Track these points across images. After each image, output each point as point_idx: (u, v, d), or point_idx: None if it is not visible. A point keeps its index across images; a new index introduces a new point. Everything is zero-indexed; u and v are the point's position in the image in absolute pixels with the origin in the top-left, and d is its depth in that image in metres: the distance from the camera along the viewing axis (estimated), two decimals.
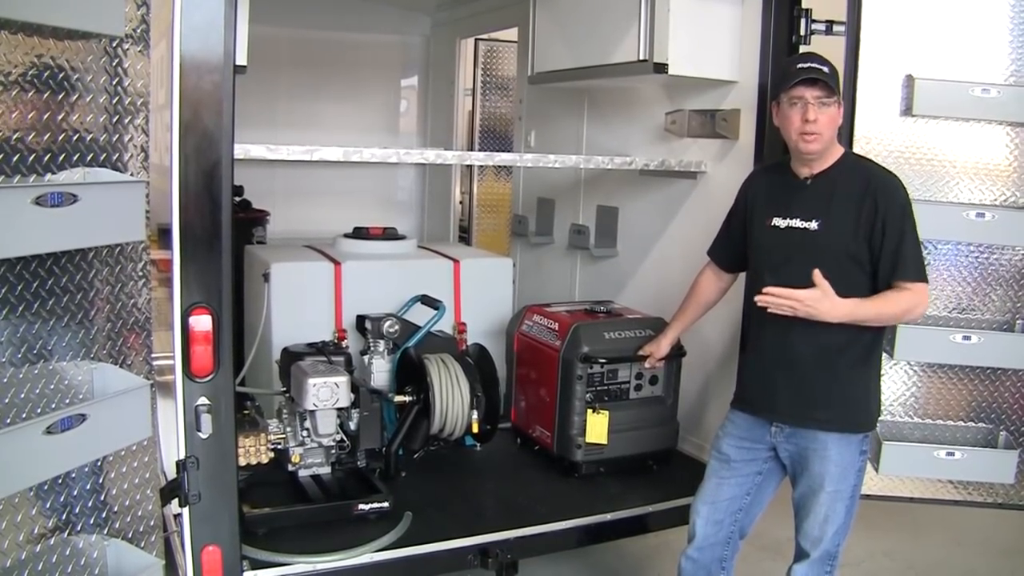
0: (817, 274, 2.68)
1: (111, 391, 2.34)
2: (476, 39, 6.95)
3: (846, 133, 3.24)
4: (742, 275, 3.24)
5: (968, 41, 3.26)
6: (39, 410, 2.16)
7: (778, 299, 2.70)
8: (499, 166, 7.25)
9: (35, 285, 2.16)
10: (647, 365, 3.67)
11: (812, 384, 2.82)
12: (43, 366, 2.23)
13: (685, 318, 3.45)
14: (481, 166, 7.33)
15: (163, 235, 2.64)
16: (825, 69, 2.75)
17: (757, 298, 2.76)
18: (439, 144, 6.58)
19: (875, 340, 2.85)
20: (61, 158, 2.19)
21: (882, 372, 2.99)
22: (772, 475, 3.01)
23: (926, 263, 2.87)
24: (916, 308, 2.78)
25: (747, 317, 3.19)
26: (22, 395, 2.14)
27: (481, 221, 7.38)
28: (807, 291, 2.68)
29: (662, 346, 3.59)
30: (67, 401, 2.26)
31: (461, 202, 7.28)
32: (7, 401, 2.10)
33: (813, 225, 2.78)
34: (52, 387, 2.23)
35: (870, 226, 2.72)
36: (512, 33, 6.01)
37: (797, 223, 2.81)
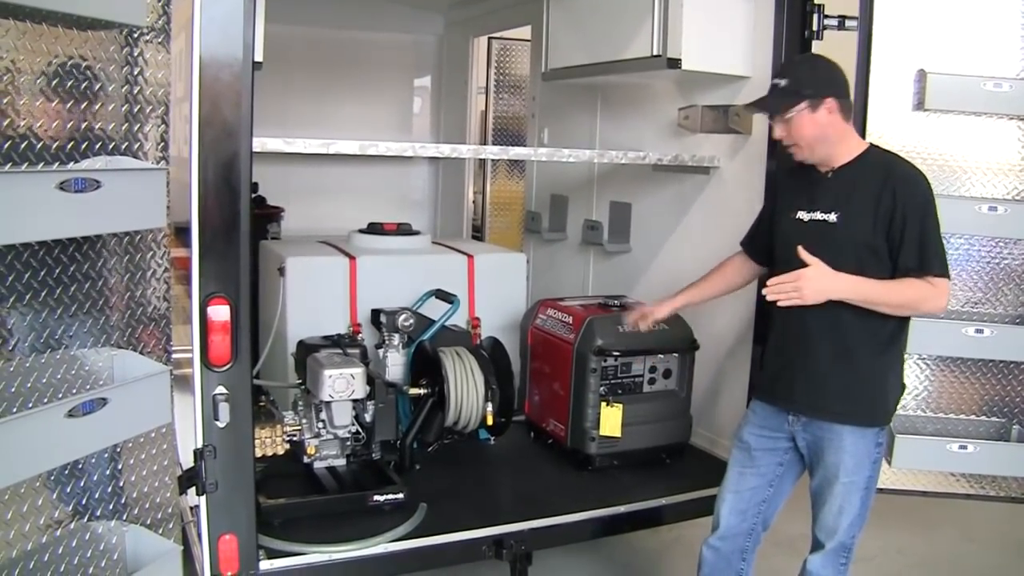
0: (802, 250, 2.69)
1: (131, 377, 2.36)
2: (489, 38, 6.97)
3: (858, 128, 3.24)
4: None
5: (980, 35, 3.27)
6: (60, 395, 2.19)
7: (781, 286, 2.70)
8: (512, 165, 7.28)
9: (58, 271, 2.19)
10: (639, 323, 3.35)
11: (828, 376, 2.80)
12: (64, 352, 2.25)
13: (700, 290, 3.24)
14: (494, 165, 7.35)
15: (180, 233, 2.65)
16: (781, 84, 2.79)
17: (764, 291, 2.76)
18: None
19: (895, 334, 2.81)
20: (84, 146, 2.22)
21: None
22: (793, 466, 3.00)
23: None
24: (930, 300, 2.72)
25: (765, 309, 3.18)
26: (44, 380, 2.17)
27: (494, 220, 7.38)
28: (802, 269, 2.68)
29: (663, 307, 3.29)
30: (88, 386, 2.28)
31: (474, 201, 7.29)
32: (29, 386, 2.13)
33: (832, 218, 2.77)
34: (73, 372, 2.26)
35: (888, 219, 2.68)
36: (525, 32, 6.03)
37: (819, 216, 2.80)
